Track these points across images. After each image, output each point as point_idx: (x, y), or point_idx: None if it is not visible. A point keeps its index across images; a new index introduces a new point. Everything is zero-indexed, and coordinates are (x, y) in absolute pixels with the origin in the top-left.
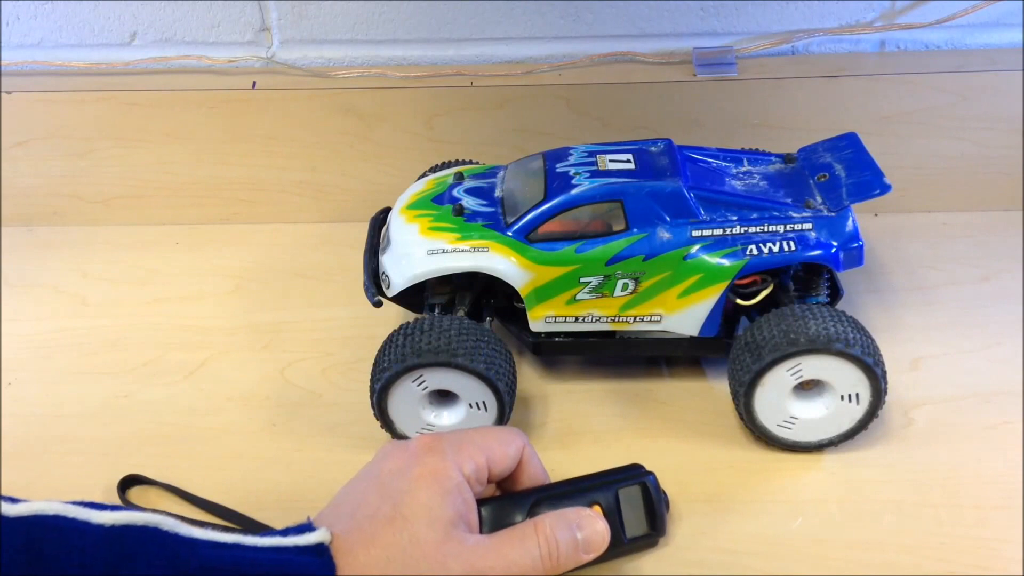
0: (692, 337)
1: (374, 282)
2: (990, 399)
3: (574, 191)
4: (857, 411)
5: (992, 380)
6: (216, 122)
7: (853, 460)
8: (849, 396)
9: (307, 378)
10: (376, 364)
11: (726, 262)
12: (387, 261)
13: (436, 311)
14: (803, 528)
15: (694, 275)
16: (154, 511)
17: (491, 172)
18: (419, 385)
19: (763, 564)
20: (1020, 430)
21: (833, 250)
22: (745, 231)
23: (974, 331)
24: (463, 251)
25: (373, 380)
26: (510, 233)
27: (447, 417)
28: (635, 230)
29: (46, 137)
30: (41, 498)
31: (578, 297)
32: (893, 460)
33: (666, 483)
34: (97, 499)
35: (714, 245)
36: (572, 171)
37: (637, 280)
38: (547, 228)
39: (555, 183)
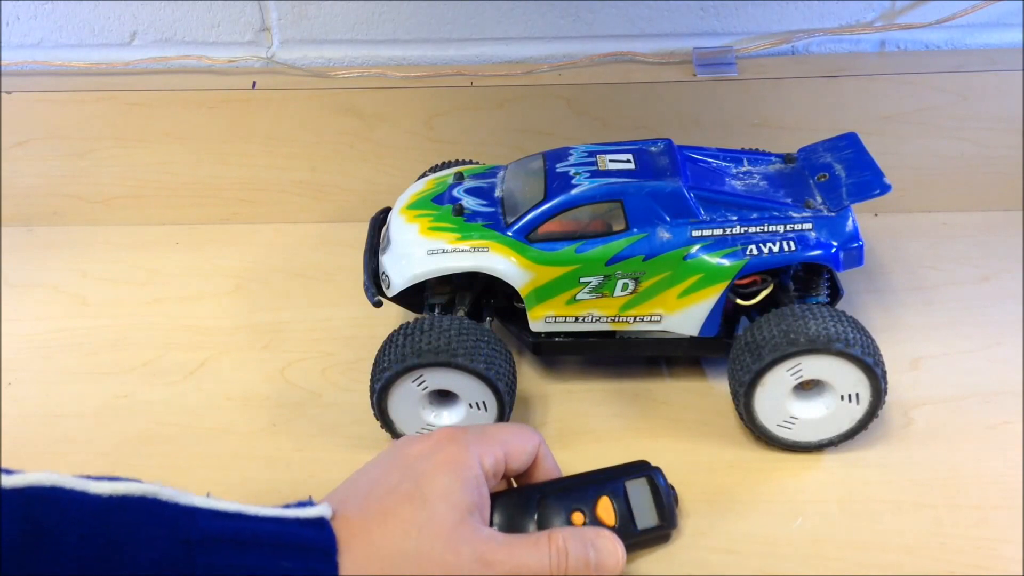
0: (692, 337)
1: (374, 282)
2: (990, 399)
3: (574, 191)
4: (857, 411)
5: (992, 380)
6: (216, 122)
7: (853, 460)
8: (849, 396)
9: (307, 378)
10: (376, 364)
11: (726, 262)
12: (387, 261)
13: (436, 311)
14: (803, 528)
15: (694, 275)
16: (153, 483)
17: (491, 172)
18: (419, 385)
19: (763, 564)
20: (1020, 430)
21: (833, 250)
22: (745, 231)
23: (974, 331)
24: (463, 251)
25: (373, 380)
26: (510, 233)
27: (447, 417)
28: (635, 230)
29: (46, 137)
30: None
31: (578, 297)
32: (893, 460)
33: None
34: None
35: (714, 245)
36: (572, 171)
37: (637, 280)
38: (547, 228)
39: (555, 183)
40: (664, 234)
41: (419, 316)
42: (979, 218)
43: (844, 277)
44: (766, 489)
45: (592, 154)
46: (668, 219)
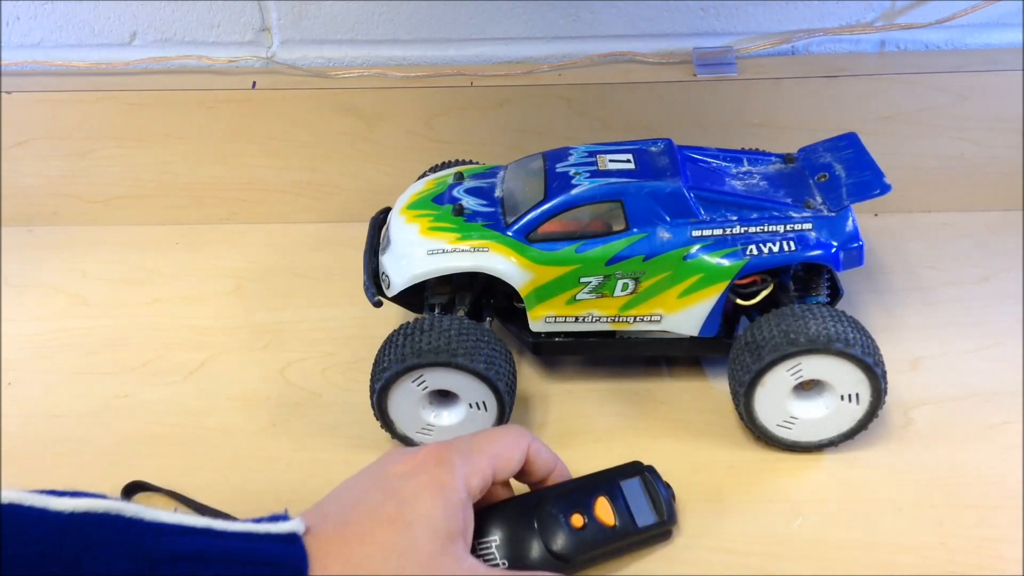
0: (692, 337)
1: (374, 282)
2: (990, 399)
3: (574, 191)
4: (857, 411)
5: (992, 380)
6: (216, 122)
7: (853, 460)
8: (849, 396)
9: (307, 378)
10: (376, 364)
11: (726, 262)
12: (387, 261)
13: (436, 311)
14: (803, 528)
15: (694, 275)
16: (117, 498)
17: (491, 172)
18: (419, 385)
19: (763, 564)
20: (1020, 430)
21: (833, 250)
22: (745, 231)
23: (974, 331)
24: (463, 251)
25: (373, 380)
26: (510, 233)
27: (447, 417)
28: (635, 230)
29: (46, 137)
30: None
31: (578, 297)
32: (893, 460)
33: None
34: None
35: (714, 245)
36: (572, 171)
37: (637, 280)
38: (547, 228)
39: (555, 183)
40: (664, 234)
41: (419, 316)
42: (979, 218)
43: (844, 277)
44: (766, 489)
45: (592, 154)
46: (668, 219)
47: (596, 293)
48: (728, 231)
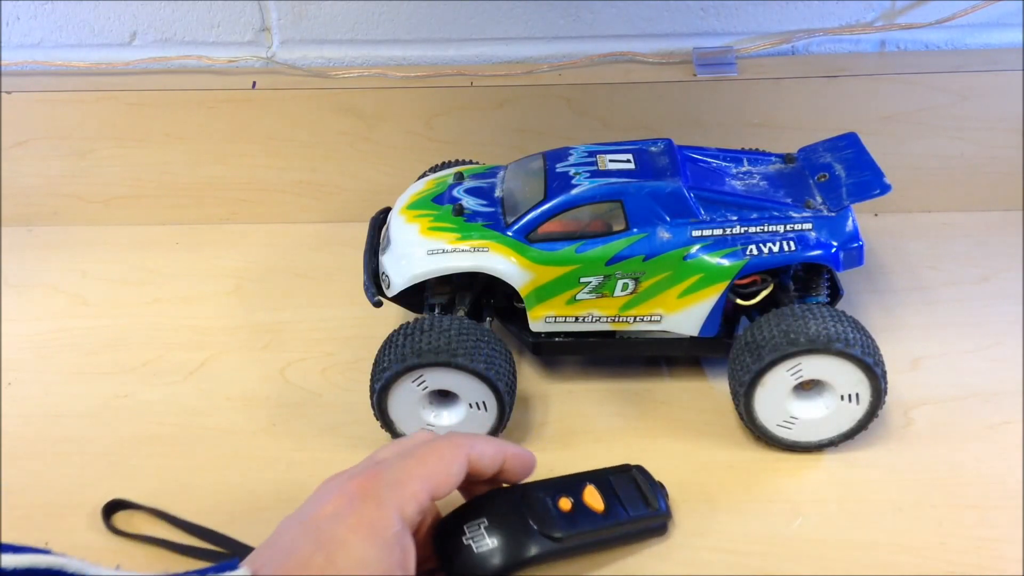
0: (692, 337)
1: (374, 282)
2: (990, 399)
3: (574, 191)
4: (857, 411)
5: (992, 380)
6: (216, 122)
7: (853, 460)
8: (849, 396)
9: (307, 378)
10: (376, 364)
11: (726, 262)
12: (387, 261)
13: (436, 311)
14: (803, 528)
15: (694, 275)
16: (61, 554)
17: (491, 172)
18: (419, 385)
19: (763, 564)
20: (1020, 430)
21: (833, 250)
22: (745, 231)
23: (974, 331)
24: (463, 251)
25: (373, 380)
26: (510, 233)
27: (447, 417)
28: (635, 230)
29: (46, 137)
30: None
31: (578, 297)
32: (893, 460)
33: (666, 483)
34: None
35: (714, 245)
36: (572, 171)
37: (637, 280)
38: (547, 228)
39: (555, 183)
40: (664, 234)
41: (419, 316)
42: (979, 218)
43: (844, 277)
44: (766, 489)
45: (592, 154)
46: (668, 219)
47: (596, 293)
48: (728, 231)
